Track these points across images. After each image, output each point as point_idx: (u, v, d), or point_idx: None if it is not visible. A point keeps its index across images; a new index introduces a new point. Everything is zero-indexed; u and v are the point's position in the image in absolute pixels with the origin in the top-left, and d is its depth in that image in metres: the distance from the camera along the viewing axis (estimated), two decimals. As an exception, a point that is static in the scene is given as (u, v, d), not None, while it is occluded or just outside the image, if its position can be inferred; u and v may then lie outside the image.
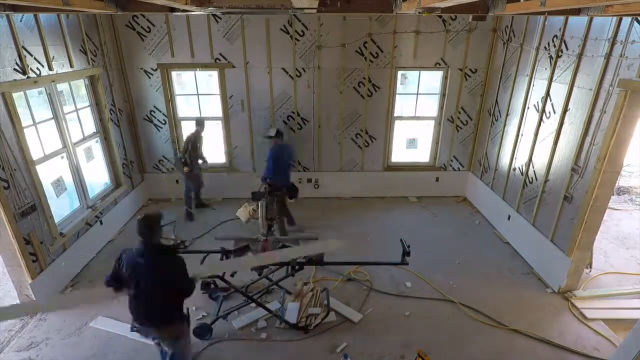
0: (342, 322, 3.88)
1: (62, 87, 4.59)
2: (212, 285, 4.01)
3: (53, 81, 4.29)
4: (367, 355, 3.51)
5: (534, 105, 4.81)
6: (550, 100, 4.49)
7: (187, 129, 6.33)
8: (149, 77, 5.90)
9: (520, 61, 5.09)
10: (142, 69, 5.84)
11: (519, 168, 5.15)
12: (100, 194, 5.32)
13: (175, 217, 5.38)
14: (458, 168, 6.65)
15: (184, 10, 3.33)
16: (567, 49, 4.18)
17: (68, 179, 4.64)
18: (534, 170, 4.82)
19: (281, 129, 5.45)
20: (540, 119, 4.67)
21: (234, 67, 5.85)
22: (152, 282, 2.49)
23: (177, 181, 6.51)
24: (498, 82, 5.71)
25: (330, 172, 6.58)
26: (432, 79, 6.28)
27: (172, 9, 3.39)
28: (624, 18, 3.42)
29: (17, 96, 3.82)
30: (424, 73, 6.13)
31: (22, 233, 3.78)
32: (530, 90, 4.86)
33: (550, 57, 4.44)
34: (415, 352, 3.13)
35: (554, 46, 4.37)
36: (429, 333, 3.76)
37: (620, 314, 3.98)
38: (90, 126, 5.18)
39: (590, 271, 4.61)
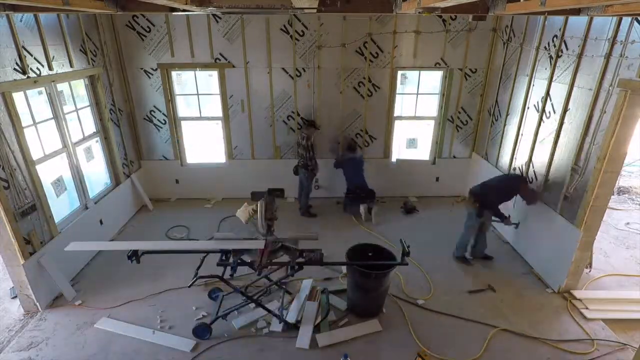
0: (342, 322, 3.88)
1: (62, 87, 4.59)
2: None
3: (53, 81, 4.29)
4: (367, 355, 3.51)
5: (534, 105, 4.81)
6: (550, 100, 4.49)
7: (187, 129, 6.36)
8: (149, 77, 5.90)
9: (520, 61, 5.09)
10: (142, 68, 5.85)
11: (519, 168, 5.15)
12: (101, 194, 5.32)
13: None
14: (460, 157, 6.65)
15: (184, 10, 3.33)
16: (567, 48, 4.18)
17: (68, 179, 4.64)
18: (534, 170, 4.82)
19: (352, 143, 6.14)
20: (540, 119, 4.67)
21: (234, 66, 5.85)
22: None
23: (176, 181, 6.52)
24: (498, 82, 5.71)
25: (330, 172, 6.57)
26: (432, 79, 6.28)
27: (172, 9, 3.38)
28: (624, 18, 3.42)
29: (17, 96, 3.82)
30: (424, 73, 6.13)
31: (22, 233, 3.78)
32: (530, 90, 4.86)
33: (550, 57, 4.44)
34: (415, 352, 3.14)
35: (554, 46, 4.37)
36: (429, 333, 3.76)
37: (620, 315, 3.98)
38: (90, 126, 5.19)
39: (590, 271, 4.61)
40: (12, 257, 3.74)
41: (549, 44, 4.48)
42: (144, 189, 6.35)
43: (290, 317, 3.85)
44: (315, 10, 3.43)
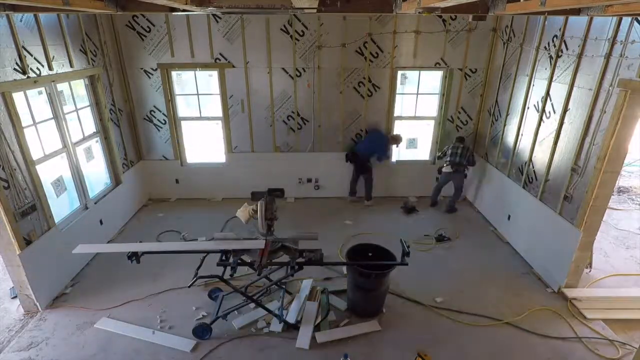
0: (343, 322, 3.87)
1: (62, 87, 4.59)
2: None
3: (53, 81, 4.29)
4: (367, 355, 3.51)
5: (534, 105, 4.81)
6: (550, 100, 4.49)
7: (187, 129, 6.36)
8: (149, 77, 5.90)
9: (520, 61, 5.09)
10: (142, 68, 5.85)
11: (518, 168, 5.15)
12: (100, 194, 5.32)
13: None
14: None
15: (184, 10, 3.33)
16: (567, 48, 4.18)
17: (68, 179, 4.64)
18: (533, 170, 4.82)
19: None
20: (540, 119, 4.67)
21: (234, 67, 5.85)
22: None
23: (176, 181, 6.52)
24: (498, 82, 5.71)
25: (331, 172, 6.57)
26: (432, 79, 6.28)
27: (172, 9, 3.38)
28: (624, 18, 3.42)
29: (17, 96, 3.81)
30: (423, 73, 6.13)
31: (22, 233, 3.77)
32: (530, 90, 4.86)
33: (550, 57, 4.44)
34: (415, 352, 3.13)
35: (554, 46, 4.37)
36: (429, 334, 3.76)
37: (620, 314, 3.97)
38: (90, 126, 5.18)
39: (590, 271, 4.61)
40: (12, 257, 3.74)
41: (549, 44, 4.48)
42: (143, 189, 6.36)
43: (290, 317, 3.85)
44: (315, 10, 3.44)
